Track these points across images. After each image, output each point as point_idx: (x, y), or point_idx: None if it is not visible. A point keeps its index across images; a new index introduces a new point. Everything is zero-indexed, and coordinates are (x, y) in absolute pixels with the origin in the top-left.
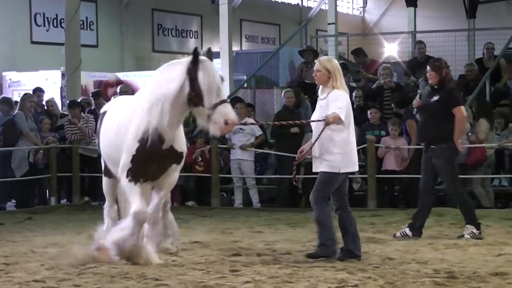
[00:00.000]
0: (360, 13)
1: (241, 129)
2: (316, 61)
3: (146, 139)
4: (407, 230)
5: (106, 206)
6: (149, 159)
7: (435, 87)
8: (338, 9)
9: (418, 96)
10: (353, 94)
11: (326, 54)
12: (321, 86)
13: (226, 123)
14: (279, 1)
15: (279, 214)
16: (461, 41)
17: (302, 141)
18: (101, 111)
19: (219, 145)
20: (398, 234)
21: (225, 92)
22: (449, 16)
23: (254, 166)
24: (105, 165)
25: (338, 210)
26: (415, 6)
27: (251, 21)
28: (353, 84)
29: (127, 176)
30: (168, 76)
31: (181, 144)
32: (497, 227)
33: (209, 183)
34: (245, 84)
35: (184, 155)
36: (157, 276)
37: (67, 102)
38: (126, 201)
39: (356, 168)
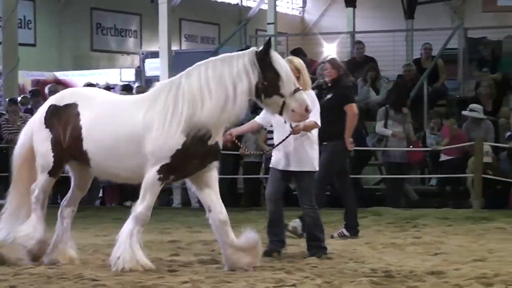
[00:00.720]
0: (300, 13)
1: None
2: (286, 59)
3: (194, 133)
4: (344, 231)
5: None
6: (194, 155)
7: (329, 85)
8: (278, 9)
9: None
10: None
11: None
12: None
13: (306, 110)
14: (219, 1)
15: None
16: (400, 41)
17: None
18: (60, 103)
19: None
20: (335, 234)
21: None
22: (388, 16)
23: None
24: (60, 164)
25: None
26: (354, 6)
27: (190, 20)
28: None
29: (159, 172)
30: (231, 71)
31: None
32: (433, 226)
33: None
34: None
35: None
36: (94, 277)
37: (7, 100)
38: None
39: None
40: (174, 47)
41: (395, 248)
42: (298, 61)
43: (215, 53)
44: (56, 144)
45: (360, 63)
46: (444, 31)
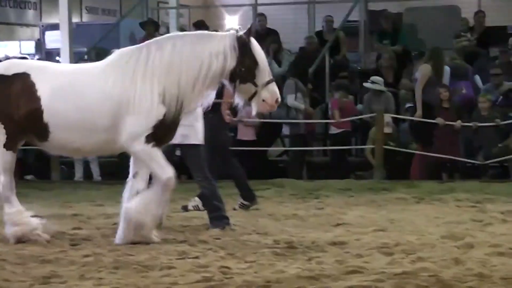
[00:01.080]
0: None
1: None
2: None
3: (173, 105)
4: (243, 201)
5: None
6: (171, 126)
7: None
8: None
9: None
10: None
11: (168, 27)
12: None
13: (276, 101)
14: None
15: (120, 187)
16: (302, 14)
17: None
18: (7, 73)
19: None
20: (236, 206)
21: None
22: None
23: None
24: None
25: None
26: None
27: None
28: None
29: (147, 142)
30: (210, 49)
31: None
32: (335, 197)
33: (49, 156)
34: (86, 57)
35: None
36: None
37: None
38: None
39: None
40: (75, 19)
41: (297, 219)
42: None
43: (116, 25)
44: (5, 116)
45: (262, 36)
46: (346, 3)
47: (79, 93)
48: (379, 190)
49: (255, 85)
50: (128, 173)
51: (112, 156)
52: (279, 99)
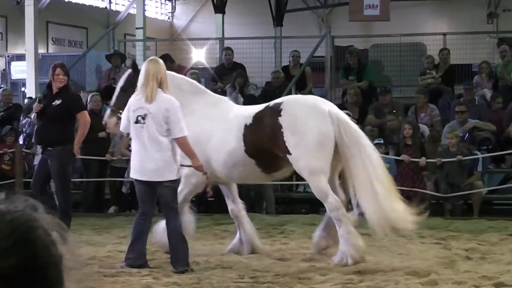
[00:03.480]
0: (169, 18)
1: None
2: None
3: None
4: None
5: None
6: None
7: (58, 91)
8: (146, 13)
9: (37, 100)
10: None
11: (134, 59)
12: None
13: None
14: (87, 4)
15: (84, 219)
16: (268, 48)
17: (109, 145)
18: None
19: (24, 150)
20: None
21: (114, 98)
22: (257, 23)
23: None
24: None
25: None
26: (223, 12)
27: (58, 23)
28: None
29: None
30: None
31: None
32: (300, 232)
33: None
34: None
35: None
36: None
37: None
38: None
39: (135, 176)
40: (41, 50)
41: (261, 254)
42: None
43: (82, 57)
44: None
45: (229, 70)
46: (312, 39)
47: None
48: None
49: None
50: (89, 204)
51: (76, 188)
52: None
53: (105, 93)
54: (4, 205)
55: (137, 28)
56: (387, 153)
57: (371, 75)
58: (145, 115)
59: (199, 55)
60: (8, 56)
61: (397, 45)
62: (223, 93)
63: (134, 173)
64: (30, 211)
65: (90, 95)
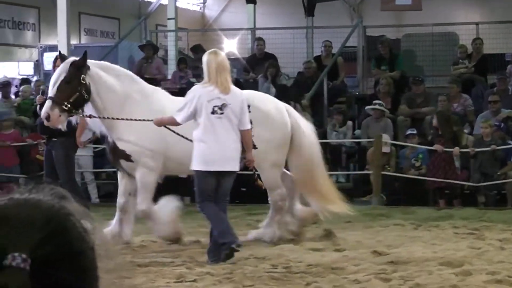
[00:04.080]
0: (200, 8)
1: None
2: None
3: None
4: None
5: None
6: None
7: None
8: (178, 4)
9: (41, 92)
10: None
11: (166, 49)
12: None
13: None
14: None
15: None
16: (300, 38)
17: None
18: None
19: None
20: None
21: (52, 90)
22: (288, 13)
23: (93, 161)
24: None
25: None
26: (255, 3)
27: (90, 14)
28: (193, 80)
29: None
30: None
31: (122, 139)
32: (333, 222)
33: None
34: None
35: (129, 151)
36: None
37: None
38: None
39: (206, 168)
40: (74, 41)
41: (294, 244)
42: (204, 56)
43: (114, 47)
44: None
45: (260, 60)
46: (344, 29)
47: None
48: (376, 216)
49: None
50: None
51: (110, 178)
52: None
53: None
54: (35, 195)
55: (168, 19)
56: (420, 144)
57: (403, 65)
58: (223, 105)
59: (230, 46)
60: (41, 47)
61: (429, 34)
62: (254, 83)
63: (203, 165)
64: (60, 200)
65: None
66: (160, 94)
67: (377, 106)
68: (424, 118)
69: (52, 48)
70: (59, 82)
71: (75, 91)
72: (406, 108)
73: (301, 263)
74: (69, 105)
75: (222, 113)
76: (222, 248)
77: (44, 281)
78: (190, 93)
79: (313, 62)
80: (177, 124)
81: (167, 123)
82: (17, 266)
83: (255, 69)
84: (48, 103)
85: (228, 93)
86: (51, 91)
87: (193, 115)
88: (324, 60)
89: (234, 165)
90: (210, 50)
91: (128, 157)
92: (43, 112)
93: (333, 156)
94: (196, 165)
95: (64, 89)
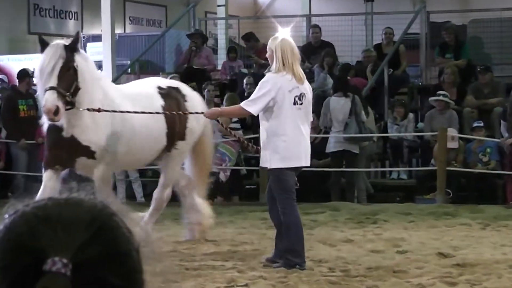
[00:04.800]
0: None
1: None
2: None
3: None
4: None
5: None
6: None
7: None
8: None
9: None
10: (244, 81)
11: (216, 38)
12: None
13: (46, 110)
14: None
15: (164, 209)
16: (359, 25)
17: None
18: None
19: None
20: None
21: (51, 79)
22: None
23: None
24: None
25: None
26: None
27: (135, 2)
28: (244, 70)
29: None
30: None
31: (86, 136)
32: (394, 222)
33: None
34: (129, 70)
35: (95, 149)
36: None
37: None
38: None
39: (291, 164)
40: (118, 30)
41: (353, 245)
42: (272, 41)
43: (161, 36)
44: None
45: (316, 48)
46: (406, 14)
47: None
48: (441, 215)
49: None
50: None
51: (155, 176)
52: (46, 108)
53: (185, 75)
54: (77, 193)
55: (218, 6)
56: (488, 136)
57: (470, 53)
58: (301, 95)
59: (284, 34)
60: (83, 37)
61: (498, 20)
62: (310, 73)
63: (287, 161)
64: (103, 198)
65: (169, 77)
66: (104, 81)
67: (441, 97)
68: (492, 110)
69: (96, 38)
70: (58, 69)
71: (73, 79)
72: (472, 99)
73: (360, 266)
74: (71, 96)
75: (301, 104)
76: (284, 261)
77: (86, 287)
78: (267, 82)
79: (373, 51)
80: (248, 115)
81: (237, 115)
82: (57, 271)
83: (310, 59)
84: (52, 94)
85: (303, 83)
86: (52, 80)
87: (267, 106)
88: (384, 49)
89: (309, 161)
90: (279, 35)
91: (92, 154)
92: (51, 105)
93: (394, 151)
94: (279, 162)
95: (65, 78)
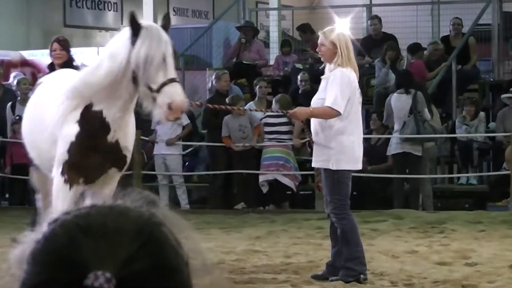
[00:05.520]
0: None
1: None
2: (320, 32)
3: (88, 122)
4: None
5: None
6: (90, 151)
7: (59, 68)
8: None
9: None
10: (298, 77)
11: (268, 30)
12: (327, 64)
13: (169, 107)
14: None
15: (211, 217)
16: (424, 15)
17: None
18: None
19: (141, 137)
20: None
21: (169, 69)
22: None
23: (182, 161)
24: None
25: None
26: None
27: None
28: (299, 66)
29: (62, 174)
30: (112, 50)
31: (128, 143)
32: (463, 231)
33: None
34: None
35: (128, 160)
36: None
37: None
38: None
39: (356, 166)
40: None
41: (418, 257)
42: (332, 33)
43: (208, 29)
44: None
45: (377, 41)
46: (476, 3)
47: (43, 107)
48: None
49: (150, 88)
50: (216, 200)
51: (202, 181)
52: (174, 104)
53: (234, 70)
54: (123, 201)
55: None
56: None
57: None
58: (360, 93)
59: (343, 25)
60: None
61: None
62: (371, 68)
63: (354, 163)
64: (150, 207)
65: (216, 73)
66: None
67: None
68: None
69: None
70: (170, 57)
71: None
72: None
73: (426, 280)
74: None
75: (360, 102)
76: (346, 272)
77: None
78: (342, 78)
79: (440, 43)
80: (337, 116)
81: (328, 116)
82: (99, 287)
83: (371, 52)
84: (180, 87)
85: (357, 79)
86: (170, 71)
87: None
88: (453, 41)
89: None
90: (334, 27)
91: (123, 166)
92: (182, 100)
93: (463, 154)
94: (344, 164)
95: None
